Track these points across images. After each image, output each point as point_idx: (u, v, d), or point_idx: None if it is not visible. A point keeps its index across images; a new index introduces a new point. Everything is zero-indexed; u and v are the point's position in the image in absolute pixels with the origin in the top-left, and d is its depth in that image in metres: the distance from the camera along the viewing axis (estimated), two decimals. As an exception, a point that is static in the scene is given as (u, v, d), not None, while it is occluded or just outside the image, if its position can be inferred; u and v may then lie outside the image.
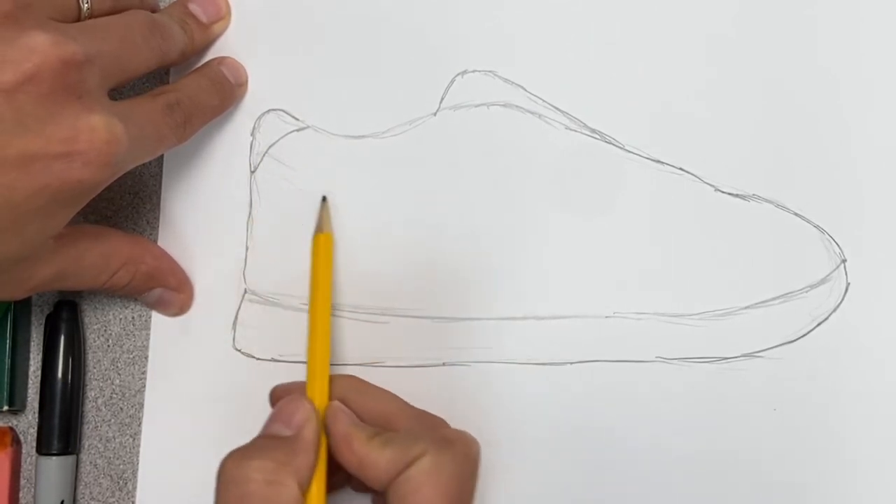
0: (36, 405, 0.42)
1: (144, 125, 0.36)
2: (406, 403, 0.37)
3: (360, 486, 0.38)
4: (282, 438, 0.34)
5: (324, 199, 0.41)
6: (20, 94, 0.32)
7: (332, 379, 0.37)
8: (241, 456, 0.33)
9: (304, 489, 0.33)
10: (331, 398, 0.36)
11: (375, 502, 0.38)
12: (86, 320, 0.43)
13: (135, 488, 0.42)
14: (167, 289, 0.41)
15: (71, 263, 0.37)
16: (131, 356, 0.43)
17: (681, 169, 0.39)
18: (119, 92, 0.37)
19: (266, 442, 0.34)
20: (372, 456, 0.33)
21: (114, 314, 0.43)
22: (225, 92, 0.41)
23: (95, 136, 0.33)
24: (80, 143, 0.33)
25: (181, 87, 0.39)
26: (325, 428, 0.35)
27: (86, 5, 0.36)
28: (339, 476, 0.37)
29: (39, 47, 0.32)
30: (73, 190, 0.33)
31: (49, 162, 0.32)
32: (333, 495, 0.38)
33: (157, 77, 0.43)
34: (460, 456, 0.33)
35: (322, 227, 0.39)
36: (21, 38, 0.32)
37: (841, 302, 0.38)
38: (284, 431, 0.34)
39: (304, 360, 0.41)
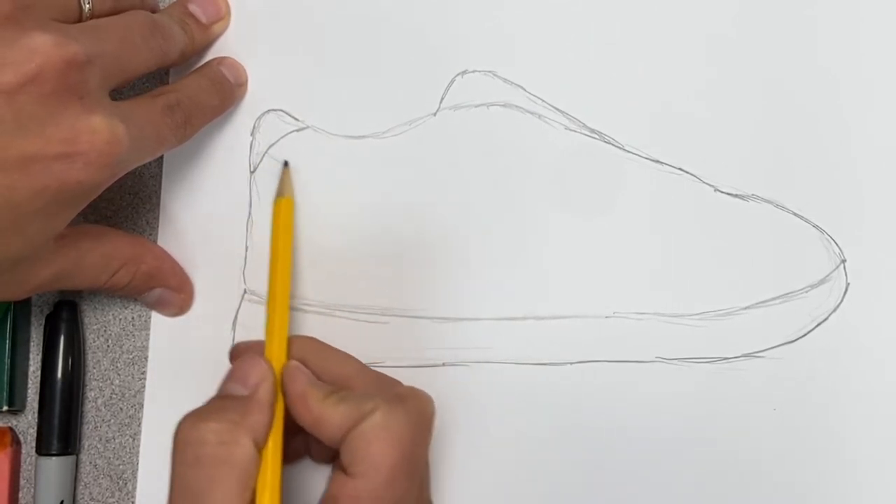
0: (36, 405, 0.42)
1: (144, 126, 0.36)
2: (364, 366, 0.37)
3: (320, 456, 0.38)
4: (236, 398, 0.34)
5: (285, 163, 0.41)
6: (21, 95, 0.32)
7: (292, 340, 0.37)
8: (195, 418, 0.33)
9: (261, 447, 0.33)
10: (289, 358, 0.36)
11: (335, 470, 0.38)
12: (86, 320, 0.43)
13: (135, 488, 0.42)
14: (167, 289, 0.41)
15: (71, 263, 0.37)
16: (131, 356, 0.43)
17: (680, 169, 0.39)
18: (119, 92, 0.37)
19: (220, 402, 0.34)
20: (327, 413, 0.33)
21: (114, 314, 0.43)
22: (225, 92, 0.41)
23: (96, 136, 0.33)
24: (80, 144, 0.33)
25: (181, 87, 0.39)
26: (282, 387, 0.35)
27: (87, 6, 0.36)
28: (297, 444, 0.37)
29: (40, 48, 0.32)
30: (74, 191, 0.33)
31: (49, 163, 0.32)
32: (292, 465, 0.38)
33: (157, 77, 0.43)
34: (412, 412, 0.33)
35: (283, 192, 0.39)
36: (22, 39, 0.32)
37: (841, 302, 0.38)
38: (240, 391, 0.34)
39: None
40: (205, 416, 0.33)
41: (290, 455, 0.37)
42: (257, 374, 0.35)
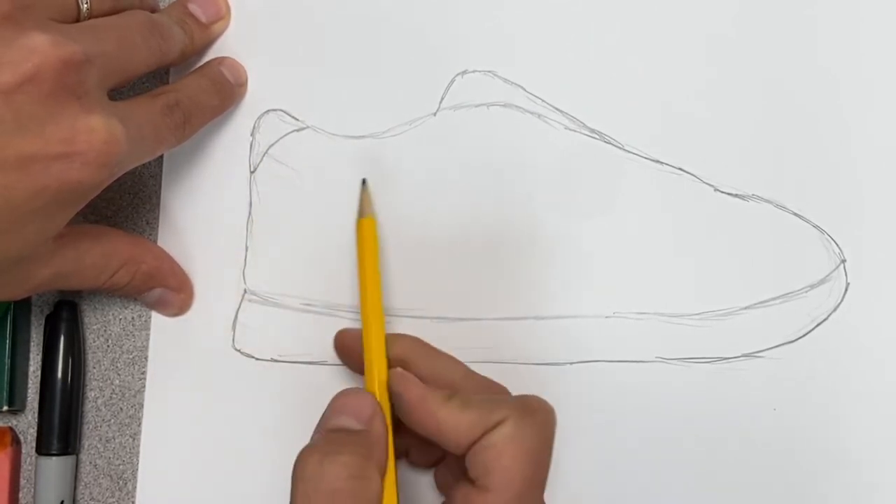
0: (36, 405, 0.42)
1: (143, 126, 0.36)
2: (469, 370, 0.37)
3: (420, 459, 0.38)
4: (355, 432, 0.33)
5: (364, 181, 0.40)
6: (19, 94, 0.32)
7: (392, 339, 0.37)
8: (321, 453, 0.32)
9: (384, 478, 0.33)
10: (391, 360, 0.36)
11: (439, 475, 0.38)
12: (86, 320, 0.43)
13: (135, 488, 0.42)
14: (167, 289, 0.41)
15: (71, 263, 0.37)
16: (131, 356, 0.43)
17: (680, 169, 0.39)
18: (118, 92, 0.37)
19: (342, 437, 0.33)
20: (452, 419, 0.33)
21: (114, 314, 0.43)
22: (225, 92, 0.41)
23: (94, 136, 0.33)
24: (79, 144, 0.33)
25: (181, 87, 0.39)
26: (393, 394, 0.35)
27: (85, 6, 0.36)
28: (396, 446, 0.37)
29: (39, 48, 0.32)
30: (73, 191, 0.33)
31: (48, 163, 0.32)
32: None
33: (157, 77, 0.43)
34: (541, 424, 0.33)
35: (363, 212, 0.39)
36: (20, 39, 0.32)
37: (841, 302, 0.38)
38: (355, 425, 0.34)
39: (304, 360, 0.41)
40: (332, 451, 0.32)
41: (416, 464, 0.38)
42: (370, 408, 0.34)
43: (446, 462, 0.38)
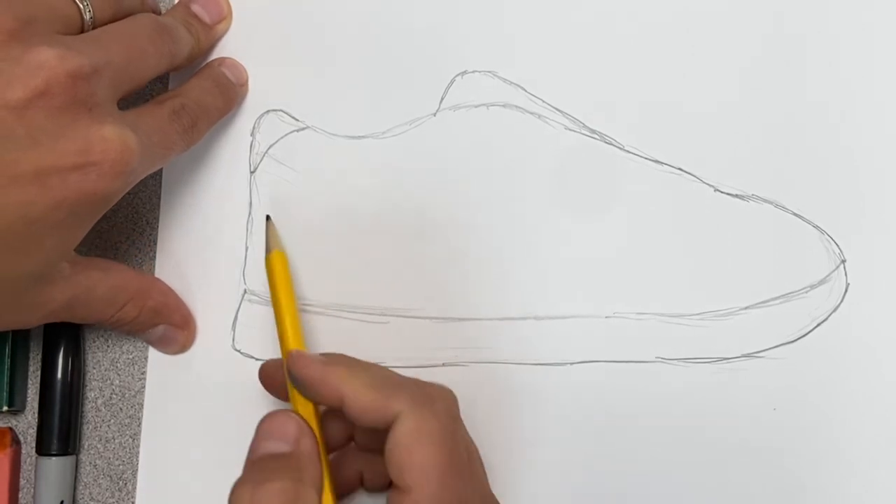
0: (36, 405, 0.42)
1: (153, 133, 0.36)
2: (387, 370, 0.36)
3: (374, 486, 0.38)
4: (283, 455, 0.33)
5: (268, 218, 0.40)
6: (31, 110, 0.32)
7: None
8: (252, 482, 0.32)
9: (321, 499, 0.33)
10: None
11: (390, 491, 0.38)
12: (86, 320, 0.43)
13: (135, 488, 0.42)
14: (171, 325, 0.41)
15: (83, 292, 0.37)
16: (131, 356, 0.43)
17: (680, 169, 0.39)
18: (124, 100, 0.37)
19: (272, 462, 0.33)
20: (352, 395, 0.33)
21: (114, 314, 0.43)
22: (228, 93, 0.41)
23: (108, 146, 0.33)
24: (93, 155, 0.33)
25: (185, 91, 0.39)
26: (294, 378, 0.35)
27: (89, 15, 0.36)
28: (350, 474, 0.37)
29: (46, 63, 0.32)
30: (90, 202, 0.34)
31: (65, 175, 0.33)
32: (349, 499, 0.39)
33: (158, 81, 0.43)
34: (441, 412, 0.33)
35: (271, 246, 0.39)
36: (27, 55, 0.32)
37: (841, 302, 0.38)
38: (283, 448, 0.34)
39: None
40: (262, 479, 0.32)
41: (344, 486, 0.37)
42: (295, 427, 0.34)
43: None
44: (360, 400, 0.33)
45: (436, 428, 0.32)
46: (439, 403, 0.33)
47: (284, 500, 0.31)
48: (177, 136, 0.38)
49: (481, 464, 0.36)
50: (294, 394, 0.36)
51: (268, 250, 0.39)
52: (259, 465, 0.33)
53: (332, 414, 0.36)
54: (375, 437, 0.35)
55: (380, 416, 0.33)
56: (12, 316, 0.36)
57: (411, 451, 0.32)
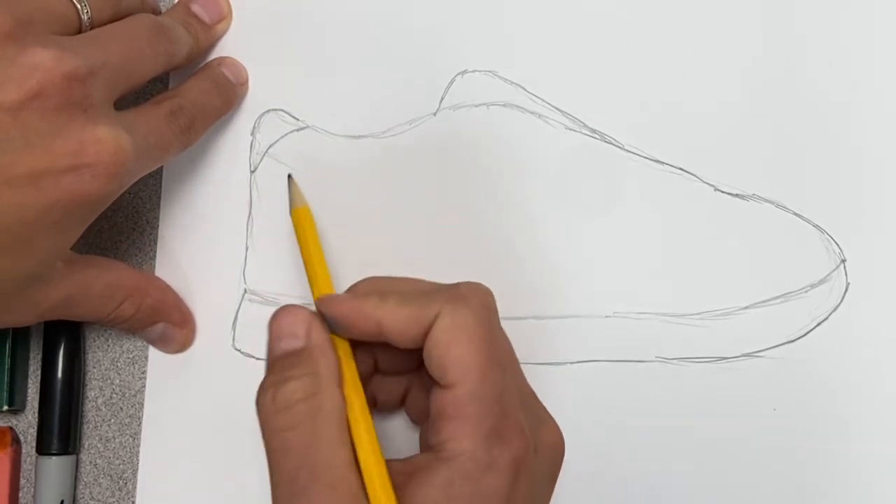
0: (36, 405, 0.42)
1: (149, 134, 0.36)
2: (417, 280, 0.36)
3: (386, 406, 0.38)
4: (297, 352, 0.33)
5: (290, 176, 0.40)
6: (25, 111, 0.32)
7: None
8: (272, 385, 0.32)
9: (342, 388, 0.33)
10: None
11: (409, 406, 0.38)
12: (86, 320, 0.43)
13: (135, 488, 0.42)
14: (170, 324, 0.41)
15: (79, 290, 0.37)
16: (131, 356, 0.43)
17: (681, 169, 0.39)
18: (121, 99, 0.37)
19: (286, 362, 0.33)
20: (388, 316, 0.33)
21: (114, 314, 0.43)
22: (227, 92, 0.41)
23: (102, 148, 0.33)
24: (87, 156, 0.33)
25: (183, 91, 0.39)
26: (330, 321, 0.34)
27: (86, 15, 0.36)
28: (392, 395, 0.37)
29: (42, 64, 0.32)
30: (84, 203, 0.34)
31: (58, 177, 0.33)
32: (385, 418, 0.38)
33: (158, 80, 0.43)
34: (476, 306, 0.32)
35: (295, 203, 0.38)
36: (23, 56, 0.32)
37: (841, 302, 0.38)
38: (296, 344, 0.33)
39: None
40: (280, 380, 0.32)
41: (385, 406, 0.37)
42: (304, 321, 0.33)
43: (412, 391, 0.37)
44: (398, 321, 0.32)
45: (472, 323, 0.32)
46: (474, 299, 0.33)
47: (302, 396, 0.31)
48: (173, 136, 0.38)
49: (516, 359, 0.35)
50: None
51: (293, 205, 0.38)
52: (276, 366, 0.33)
53: (356, 347, 0.35)
54: (401, 359, 0.35)
55: (420, 329, 0.32)
56: (6, 315, 0.36)
57: (450, 348, 0.32)
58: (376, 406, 0.37)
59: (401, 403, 0.37)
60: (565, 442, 0.34)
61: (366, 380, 0.35)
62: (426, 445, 0.33)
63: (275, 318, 0.34)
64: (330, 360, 0.33)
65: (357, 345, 0.34)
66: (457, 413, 0.31)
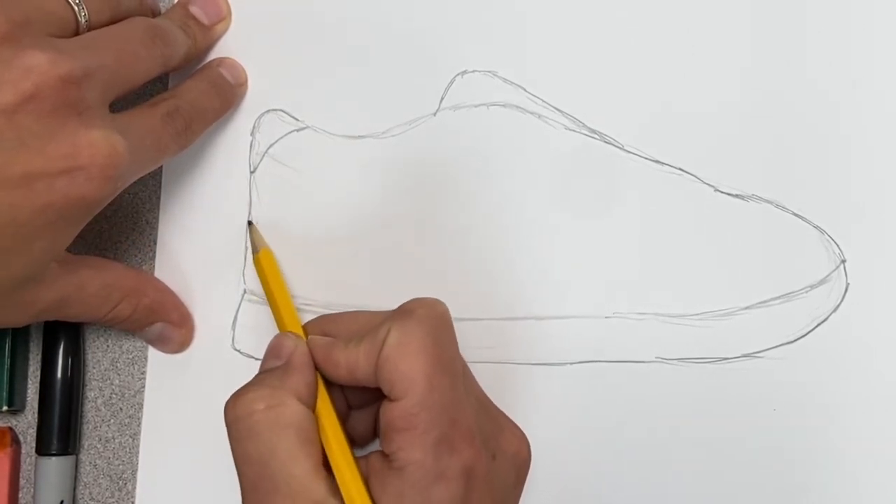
0: (36, 405, 0.42)
1: (144, 136, 0.36)
2: (375, 312, 0.37)
3: (361, 441, 0.38)
4: (274, 369, 0.35)
5: (249, 223, 0.41)
6: (20, 113, 0.32)
7: (305, 327, 0.37)
8: (237, 395, 0.33)
9: (311, 406, 0.34)
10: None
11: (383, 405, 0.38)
12: (85, 320, 0.43)
13: (135, 488, 0.42)
14: (168, 324, 0.41)
15: (74, 290, 0.37)
16: (131, 356, 0.43)
17: (680, 169, 0.40)
18: (119, 101, 0.37)
19: (260, 377, 0.35)
20: (352, 358, 0.34)
21: (113, 314, 0.43)
22: (225, 93, 0.41)
23: (96, 150, 0.33)
24: (81, 159, 0.33)
25: (180, 92, 0.39)
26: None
27: (84, 18, 0.36)
28: (364, 426, 0.37)
29: (37, 67, 0.32)
30: (78, 206, 0.34)
31: (52, 180, 0.33)
32: (365, 449, 0.38)
33: (157, 81, 0.43)
34: (421, 318, 0.33)
35: (257, 247, 0.40)
36: (18, 58, 0.32)
37: (841, 302, 0.38)
38: (276, 363, 0.35)
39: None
40: (245, 390, 0.33)
41: (359, 440, 0.38)
42: (289, 344, 0.35)
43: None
44: (362, 359, 0.33)
45: (419, 336, 0.32)
46: (420, 311, 0.33)
47: (262, 406, 0.33)
48: (170, 138, 0.38)
49: (468, 368, 0.36)
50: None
51: (254, 250, 0.40)
52: (251, 380, 0.34)
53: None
54: (368, 391, 0.35)
55: (375, 356, 0.33)
56: (1, 316, 0.36)
57: (397, 362, 0.32)
58: (355, 443, 0.37)
59: (375, 434, 0.37)
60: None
61: (343, 417, 0.36)
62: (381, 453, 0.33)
63: (271, 342, 0.36)
64: (301, 378, 0.34)
65: (328, 385, 0.35)
66: (405, 424, 0.32)
